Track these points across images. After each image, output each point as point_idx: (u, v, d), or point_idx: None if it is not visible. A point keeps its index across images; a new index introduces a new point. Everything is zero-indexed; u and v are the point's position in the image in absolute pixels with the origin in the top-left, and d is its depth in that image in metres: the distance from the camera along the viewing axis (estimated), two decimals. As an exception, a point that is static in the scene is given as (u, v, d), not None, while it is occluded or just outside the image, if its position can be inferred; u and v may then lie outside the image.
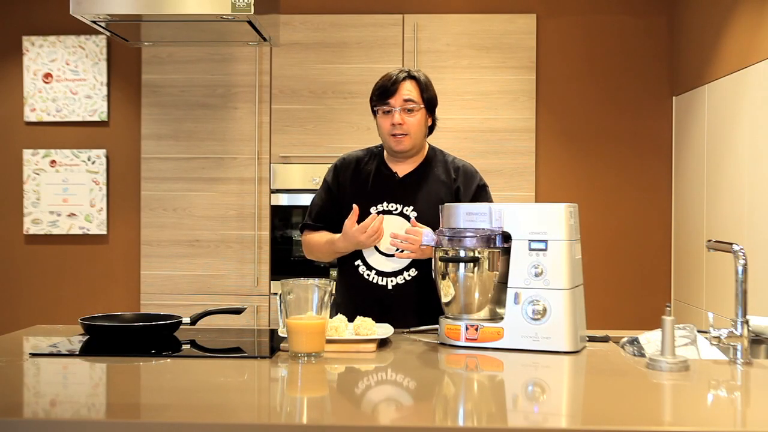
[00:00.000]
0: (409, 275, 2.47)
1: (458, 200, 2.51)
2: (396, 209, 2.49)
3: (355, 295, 2.49)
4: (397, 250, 2.44)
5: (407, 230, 2.36)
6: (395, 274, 2.48)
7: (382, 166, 2.56)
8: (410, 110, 2.47)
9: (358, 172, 2.56)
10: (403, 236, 2.35)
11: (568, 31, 4.33)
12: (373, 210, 2.49)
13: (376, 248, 2.48)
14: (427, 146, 2.61)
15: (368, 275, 2.48)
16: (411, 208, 2.49)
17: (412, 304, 2.49)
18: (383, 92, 2.48)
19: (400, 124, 2.46)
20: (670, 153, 4.32)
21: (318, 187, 2.68)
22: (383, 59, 4.12)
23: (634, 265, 4.33)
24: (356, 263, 2.50)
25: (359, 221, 2.44)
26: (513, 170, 4.13)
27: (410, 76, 2.50)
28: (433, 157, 2.59)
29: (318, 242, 2.58)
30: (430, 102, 2.53)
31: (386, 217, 2.47)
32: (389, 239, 2.43)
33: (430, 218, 2.43)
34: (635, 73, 4.32)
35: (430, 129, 2.61)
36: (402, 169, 2.55)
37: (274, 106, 4.16)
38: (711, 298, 3.76)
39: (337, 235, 2.48)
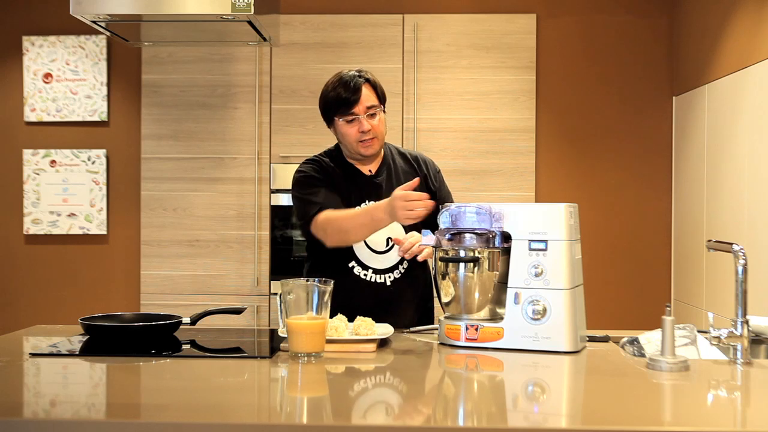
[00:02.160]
0: (403, 268, 2.50)
1: (427, 187, 2.55)
2: None
3: (356, 298, 2.44)
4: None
5: (408, 241, 2.33)
6: (391, 269, 2.49)
7: (349, 167, 2.54)
8: (373, 115, 2.46)
9: (333, 175, 2.52)
10: (417, 247, 2.31)
11: (568, 31, 4.33)
12: (357, 209, 2.48)
13: (368, 246, 2.47)
14: None
15: (365, 275, 2.48)
16: None
17: (413, 296, 2.53)
18: (344, 102, 2.43)
19: (369, 130, 2.44)
20: (670, 153, 4.32)
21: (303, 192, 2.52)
22: (383, 59, 4.12)
23: (634, 265, 4.32)
24: (350, 265, 2.47)
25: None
26: (513, 170, 4.13)
27: (365, 80, 2.46)
28: (388, 150, 2.61)
29: (350, 213, 2.37)
30: (384, 99, 2.52)
31: None
32: (379, 236, 2.45)
33: None
34: (635, 73, 4.32)
35: None
36: (368, 168, 2.55)
37: (274, 106, 4.16)
38: (711, 298, 3.76)
39: (378, 202, 2.35)
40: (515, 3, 4.30)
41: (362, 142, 2.46)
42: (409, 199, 2.18)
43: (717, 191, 3.70)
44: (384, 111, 2.53)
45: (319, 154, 2.59)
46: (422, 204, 2.18)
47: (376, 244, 2.48)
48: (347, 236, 2.37)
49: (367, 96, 2.45)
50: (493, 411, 1.57)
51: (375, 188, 2.52)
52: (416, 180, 2.27)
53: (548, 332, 1.99)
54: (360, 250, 2.47)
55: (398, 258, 2.49)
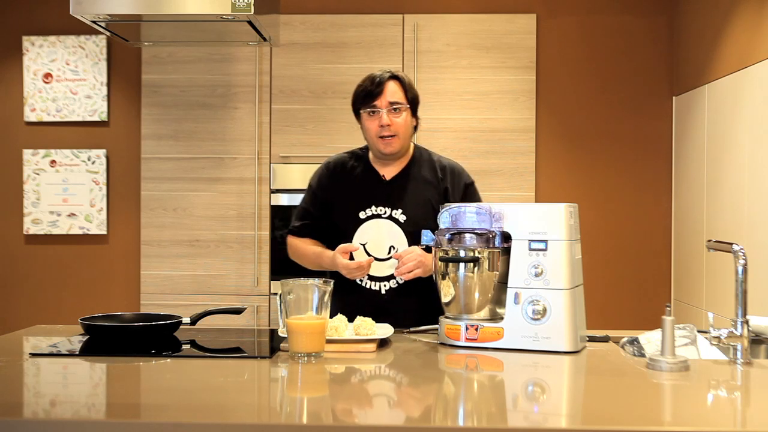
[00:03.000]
0: (401, 279, 2.46)
1: (447, 200, 2.51)
2: (385, 213, 2.49)
3: (350, 301, 2.46)
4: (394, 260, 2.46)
5: (402, 258, 2.36)
6: (388, 278, 2.47)
7: (369, 169, 2.55)
8: (396, 111, 2.46)
9: (345, 177, 2.55)
10: (406, 268, 2.35)
11: (568, 31, 4.33)
12: (362, 214, 2.49)
13: (367, 253, 2.47)
14: (412, 146, 2.60)
15: (361, 281, 2.48)
16: (400, 211, 2.48)
17: (406, 307, 2.47)
18: (368, 94, 2.46)
19: (388, 125, 2.44)
20: (670, 153, 4.32)
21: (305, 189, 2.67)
22: (383, 59, 4.12)
23: (634, 265, 4.33)
24: None
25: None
26: (513, 170, 4.13)
27: (394, 77, 2.48)
28: (419, 157, 2.58)
29: (305, 251, 2.59)
30: (414, 102, 2.52)
31: (376, 221, 2.48)
32: (380, 243, 2.45)
33: (419, 220, 2.44)
34: (635, 73, 4.32)
35: (414, 129, 2.58)
36: (389, 171, 2.54)
37: (274, 106, 4.16)
38: (711, 298, 3.76)
39: (327, 252, 2.48)
40: (515, 3, 4.30)
41: (382, 139, 2.46)
42: (352, 269, 2.38)
43: (717, 191, 3.70)
44: (414, 115, 2.52)
45: (348, 151, 2.63)
46: (360, 274, 2.40)
47: (376, 251, 2.47)
48: (303, 264, 2.64)
49: (393, 92, 2.46)
50: (493, 411, 1.57)
51: (387, 195, 2.50)
52: (355, 246, 2.44)
53: (548, 332, 1.99)
54: (359, 255, 2.46)
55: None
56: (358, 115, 2.53)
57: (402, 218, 2.48)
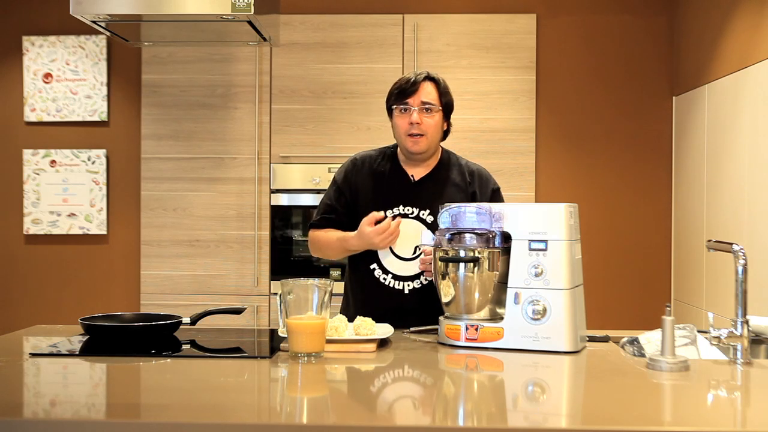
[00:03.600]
0: (425, 279, 2.45)
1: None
2: (412, 213, 2.47)
3: (371, 301, 2.46)
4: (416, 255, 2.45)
5: (428, 256, 2.35)
6: (412, 278, 2.45)
7: (397, 168, 2.54)
8: (428, 111, 2.45)
9: (372, 174, 2.54)
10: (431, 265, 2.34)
11: (568, 31, 4.34)
12: (389, 213, 2.47)
13: (392, 251, 2.45)
14: (440, 150, 2.59)
15: (384, 279, 2.47)
16: (427, 212, 2.47)
17: (430, 308, 2.41)
18: (402, 92, 2.46)
19: (417, 123, 2.43)
20: (670, 153, 4.32)
21: (327, 185, 2.65)
22: (383, 59, 4.12)
23: (634, 265, 4.33)
24: (371, 267, 2.47)
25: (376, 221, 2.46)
26: (513, 170, 4.13)
27: (429, 78, 2.48)
28: (447, 160, 2.57)
29: (328, 239, 2.54)
30: (447, 105, 2.51)
31: (403, 220, 2.46)
32: (406, 243, 2.44)
33: None
34: (635, 73, 4.32)
35: (445, 134, 2.57)
36: (417, 172, 2.53)
37: (274, 106, 4.16)
38: (711, 298, 3.76)
39: (351, 233, 2.46)
40: (515, 3, 4.30)
41: (410, 137, 2.45)
42: (381, 232, 2.37)
43: (717, 191, 3.70)
44: (446, 119, 2.52)
45: (377, 149, 2.61)
46: (394, 231, 2.38)
47: (402, 251, 2.45)
48: (328, 255, 2.60)
49: (427, 92, 2.46)
50: (493, 411, 1.57)
51: (414, 195, 2.49)
52: (375, 215, 2.41)
53: (548, 332, 1.99)
54: (383, 253, 2.45)
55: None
56: (390, 113, 2.52)
57: (429, 219, 2.46)
